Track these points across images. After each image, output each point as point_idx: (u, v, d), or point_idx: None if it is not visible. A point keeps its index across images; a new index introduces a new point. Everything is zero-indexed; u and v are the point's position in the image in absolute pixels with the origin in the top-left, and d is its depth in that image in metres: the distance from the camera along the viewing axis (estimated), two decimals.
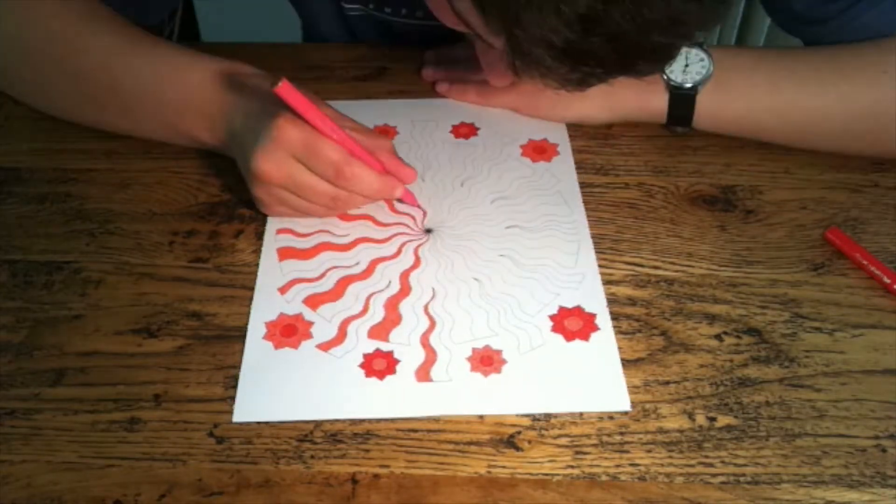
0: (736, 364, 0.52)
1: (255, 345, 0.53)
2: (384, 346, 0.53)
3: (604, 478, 0.47)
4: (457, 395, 0.50)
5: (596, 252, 0.59)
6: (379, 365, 0.52)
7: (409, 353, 0.53)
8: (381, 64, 0.76)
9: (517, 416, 0.50)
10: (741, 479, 0.47)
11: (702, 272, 0.58)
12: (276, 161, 0.55)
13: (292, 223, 0.61)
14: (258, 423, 0.49)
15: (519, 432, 0.49)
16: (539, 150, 0.67)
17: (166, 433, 0.49)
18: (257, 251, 0.59)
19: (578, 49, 0.46)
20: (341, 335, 0.54)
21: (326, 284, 0.57)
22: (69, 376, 0.52)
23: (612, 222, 0.61)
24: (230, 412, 0.50)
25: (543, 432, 0.49)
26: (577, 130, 0.69)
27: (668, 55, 0.49)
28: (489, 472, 0.47)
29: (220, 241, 0.60)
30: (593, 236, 0.60)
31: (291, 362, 0.52)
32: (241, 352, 0.53)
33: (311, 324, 0.54)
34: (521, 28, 0.45)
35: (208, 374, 0.52)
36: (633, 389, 0.51)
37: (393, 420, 0.49)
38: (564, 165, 0.66)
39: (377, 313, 0.55)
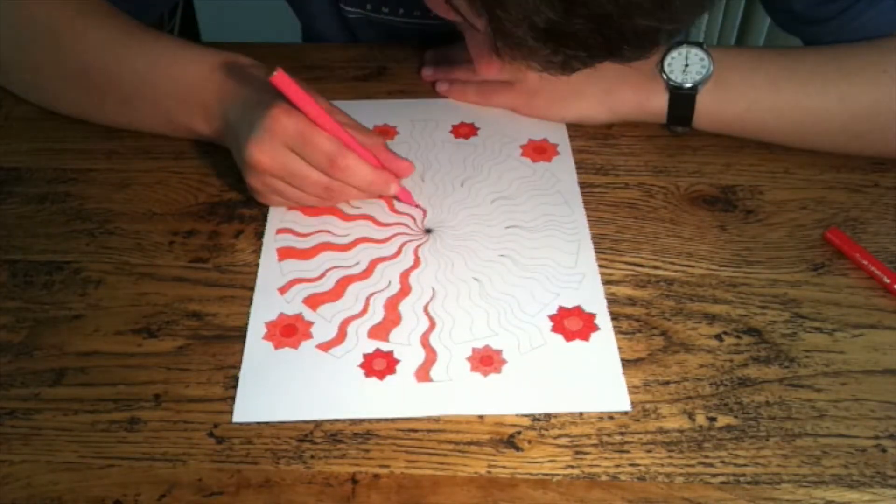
0: (736, 364, 0.52)
1: (255, 345, 0.53)
2: (384, 346, 0.53)
3: (604, 478, 0.47)
4: (457, 395, 0.50)
5: (596, 252, 0.59)
6: (379, 365, 0.52)
7: (409, 353, 0.53)
8: (381, 64, 0.76)
9: (517, 416, 0.50)
10: (741, 479, 0.47)
11: (702, 272, 0.58)
12: (270, 150, 0.56)
13: (292, 223, 0.61)
14: (258, 423, 0.49)
15: (519, 432, 0.49)
16: (539, 150, 0.67)
17: (166, 433, 0.49)
18: (257, 251, 0.59)
19: (561, 30, 0.45)
20: (341, 335, 0.54)
21: (326, 284, 0.57)
22: (69, 376, 0.52)
23: (612, 222, 0.61)
24: (230, 412, 0.50)
25: (543, 432, 0.49)
26: (577, 130, 0.69)
27: (654, 40, 0.49)
28: (489, 472, 0.47)
29: (220, 241, 0.60)
30: (593, 236, 0.60)
31: (291, 362, 0.52)
32: (241, 352, 0.53)
33: (311, 324, 0.54)
34: (503, 8, 0.45)
35: (208, 374, 0.52)
36: (633, 389, 0.51)
37: (393, 420, 0.49)
38: (564, 165, 0.66)
39: (377, 313, 0.55)
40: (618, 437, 0.49)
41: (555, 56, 0.48)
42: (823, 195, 0.63)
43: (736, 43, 1.35)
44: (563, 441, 0.48)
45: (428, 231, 0.61)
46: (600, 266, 0.58)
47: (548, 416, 0.50)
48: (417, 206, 0.62)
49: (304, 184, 0.58)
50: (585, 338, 0.54)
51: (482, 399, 0.50)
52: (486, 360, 0.52)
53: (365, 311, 0.55)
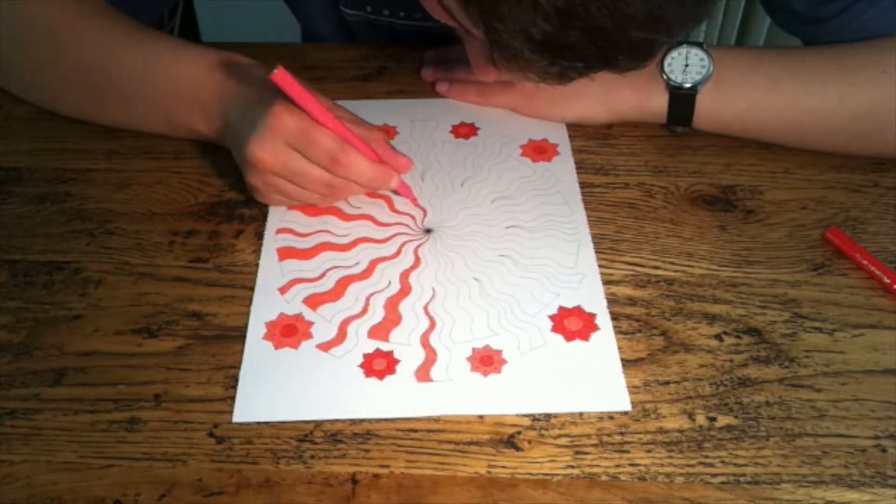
0: (736, 364, 0.52)
1: (255, 345, 0.53)
2: (384, 346, 0.53)
3: (604, 478, 0.47)
4: (457, 395, 0.50)
5: (596, 252, 0.59)
6: (379, 365, 0.52)
7: (409, 353, 0.53)
8: (381, 64, 0.76)
9: (517, 416, 0.50)
10: (741, 479, 0.47)
11: (702, 272, 0.58)
12: (271, 149, 0.56)
13: (292, 223, 0.61)
14: (258, 423, 0.49)
15: (519, 432, 0.49)
16: (539, 150, 0.67)
17: (166, 433, 0.49)
18: (257, 251, 0.59)
19: (557, 43, 0.46)
20: (341, 335, 0.54)
21: (326, 284, 0.57)
22: (69, 376, 0.52)
23: (612, 222, 0.61)
24: (230, 412, 0.50)
25: (543, 432, 0.49)
26: (577, 130, 0.69)
27: (649, 51, 0.49)
28: (489, 472, 0.47)
29: (220, 241, 0.60)
30: (593, 236, 0.60)
31: (291, 362, 0.52)
32: (241, 352, 0.53)
33: (311, 324, 0.54)
34: (500, 20, 0.46)
35: (208, 374, 0.52)
36: (633, 389, 0.51)
37: (393, 420, 0.49)
38: (564, 165, 0.66)
39: (377, 313, 0.55)
40: (618, 437, 0.49)
41: (551, 67, 0.49)
42: (823, 195, 0.63)
43: (736, 43, 1.35)
44: (563, 441, 0.48)
45: (428, 231, 0.61)
46: (600, 266, 0.58)
47: (548, 416, 0.50)
48: (415, 199, 0.62)
49: (306, 181, 0.58)
50: (585, 338, 0.54)
51: (482, 399, 0.50)
52: (486, 360, 0.52)
53: (365, 311, 0.55)
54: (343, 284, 0.57)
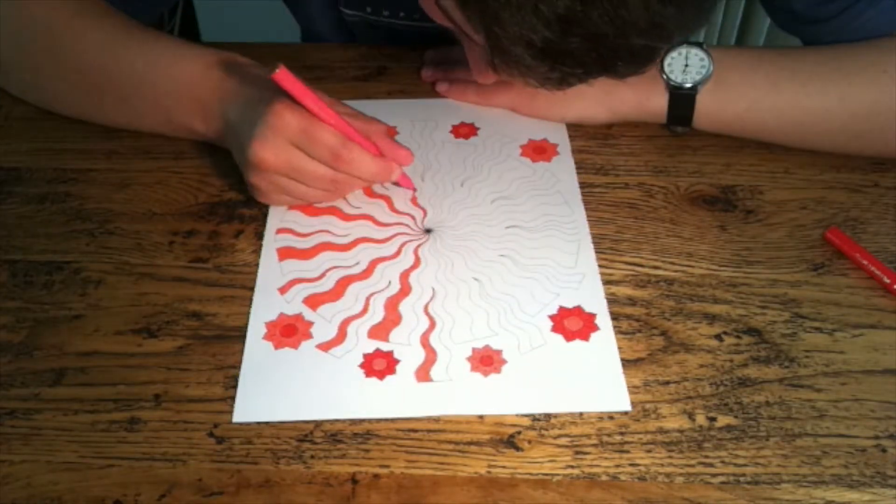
0: (736, 364, 0.52)
1: (255, 345, 0.53)
2: (384, 346, 0.53)
3: (604, 478, 0.47)
4: (457, 395, 0.50)
5: (596, 252, 0.59)
6: (379, 365, 0.52)
7: (409, 353, 0.53)
8: (381, 64, 0.76)
9: (517, 416, 0.50)
10: (741, 479, 0.47)
11: (702, 272, 0.58)
12: (274, 148, 0.56)
13: (292, 223, 0.61)
14: (258, 423, 0.49)
15: (519, 432, 0.49)
16: (539, 150, 0.67)
17: (166, 433, 0.49)
18: (257, 251, 0.59)
19: (557, 49, 0.46)
20: (341, 335, 0.54)
21: (326, 284, 0.57)
22: (69, 376, 0.52)
23: (612, 222, 0.61)
24: (230, 412, 0.50)
25: (543, 432, 0.49)
26: (577, 130, 0.69)
27: (649, 58, 0.50)
28: (489, 472, 0.47)
29: (220, 241, 0.60)
30: (593, 236, 0.60)
31: (291, 362, 0.52)
32: (241, 352, 0.53)
33: (311, 324, 0.54)
34: (500, 26, 0.46)
35: (208, 374, 0.52)
36: (633, 389, 0.51)
37: (393, 420, 0.49)
38: (564, 165, 0.66)
39: (377, 313, 0.55)
40: (618, 437, 0.49)
41: (551, 73, 0.49)
42: (823, 195, 0.63)
43: (736, 43, 1.35)
44: (563, 441, 0.48)
45: (428, 231, 0.61)
46: (600, 266, 0.58)
47: (548, 416, 0.50)
48: (416, 190, 0.63)
49: (310, 179, 0.58)
50: (585, 338, 0.54)
51: (482, 399, 0.50)
52: (486, 360, 0.52)
53: (365, 311, 0.55)
54: (343, 284, 0.57)
